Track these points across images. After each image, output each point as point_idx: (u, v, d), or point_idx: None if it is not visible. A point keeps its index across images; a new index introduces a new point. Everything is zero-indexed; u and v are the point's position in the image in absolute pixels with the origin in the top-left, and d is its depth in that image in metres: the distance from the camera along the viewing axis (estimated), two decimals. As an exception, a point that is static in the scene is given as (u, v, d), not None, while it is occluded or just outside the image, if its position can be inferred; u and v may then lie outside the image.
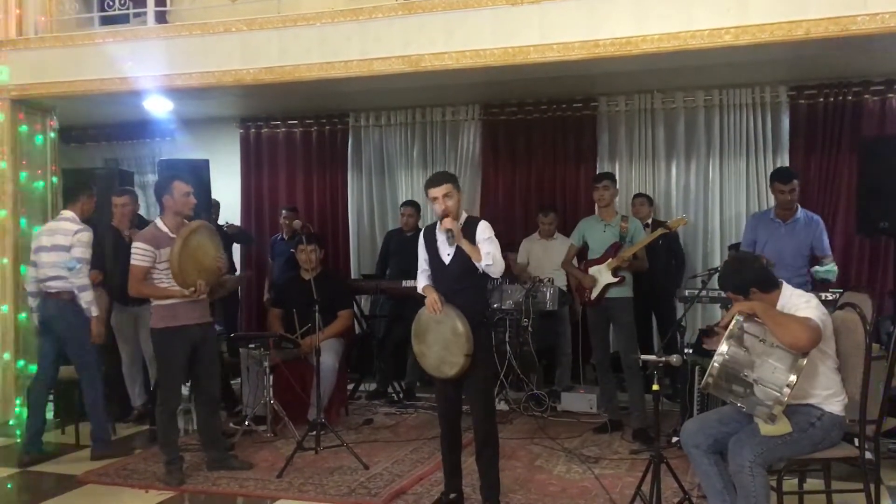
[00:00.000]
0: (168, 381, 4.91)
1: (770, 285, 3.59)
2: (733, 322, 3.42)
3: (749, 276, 3.64)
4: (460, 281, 4.21)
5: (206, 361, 4.94)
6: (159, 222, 4.87)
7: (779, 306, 3.52)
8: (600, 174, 6.11)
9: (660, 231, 5.70)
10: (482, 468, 4.19)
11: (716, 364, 3.37)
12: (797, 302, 3.50)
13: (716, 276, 4.76)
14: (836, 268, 5.28)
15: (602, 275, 5.64)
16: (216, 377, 5.13)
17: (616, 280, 5.62)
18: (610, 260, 5.63)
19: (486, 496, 4.19)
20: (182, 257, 4.66)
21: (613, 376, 5.92)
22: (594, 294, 5.67)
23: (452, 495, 4.31)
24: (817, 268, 5.31)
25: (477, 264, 4.10)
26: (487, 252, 4.09)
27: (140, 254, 4.73)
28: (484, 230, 4.25)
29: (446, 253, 4.26)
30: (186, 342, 4.80)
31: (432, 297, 4.14)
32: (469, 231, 4.26)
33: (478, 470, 4.22)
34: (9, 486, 4.99)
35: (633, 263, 5.64)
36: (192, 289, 4.70)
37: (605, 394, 5.90)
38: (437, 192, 4.17)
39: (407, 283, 6.36)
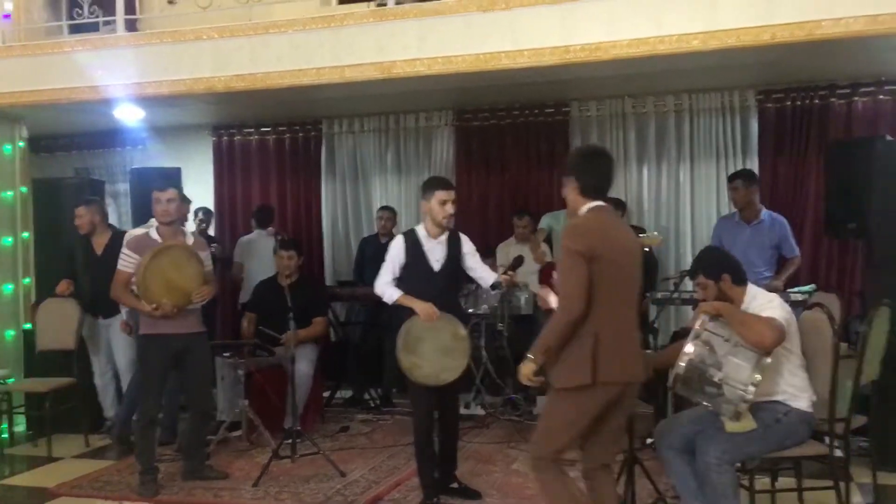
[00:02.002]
0: (145, 388, 4.89)
1: (739, 279, 3.67)
2: (699, 322, 3.48)
3: (724, 262, 3.74)
4: (448, 288, 4.26)
5: (193, 371, 4.89)
6: (153, 231, 4.89)
7: (743, 306, 3.59)
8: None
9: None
10: (451, 461, 4.46)
11: (682, 364, 3.42)
12: (761, 302, 3.57)
13: (687, 279, 4.85)
14: (813, 288, 5.31)
15: None
16: (206, 387, 5.08)
17: None
18: None
19: (449, 473, 4.46)
20: (148, 271, 4.62)
21: None
22: (553, 301, 5.65)
23: (436, 500, 4.35)
24: (794, 289, 5.33)
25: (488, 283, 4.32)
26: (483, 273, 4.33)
27: (124, 260, 4.79)
28: (469, 244, 4.36)
29: (435, 259, 4.26)
30: (165, 351, 4.76)
31: (427, 306, 4.12)
32: (453, 243, 4.30)
33: (444, 460, 4.44)
34: (-21, 500, 4.93)
35: None
36: (154, 306, 4.65)
37: None
38: (448, 195, 4.21)
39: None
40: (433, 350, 4.12)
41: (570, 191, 3.33)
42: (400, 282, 4.34)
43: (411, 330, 4.16)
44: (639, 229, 6.27)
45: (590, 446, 3.35)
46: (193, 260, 4.81)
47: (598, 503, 3.39)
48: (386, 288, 4.31)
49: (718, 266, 3.70)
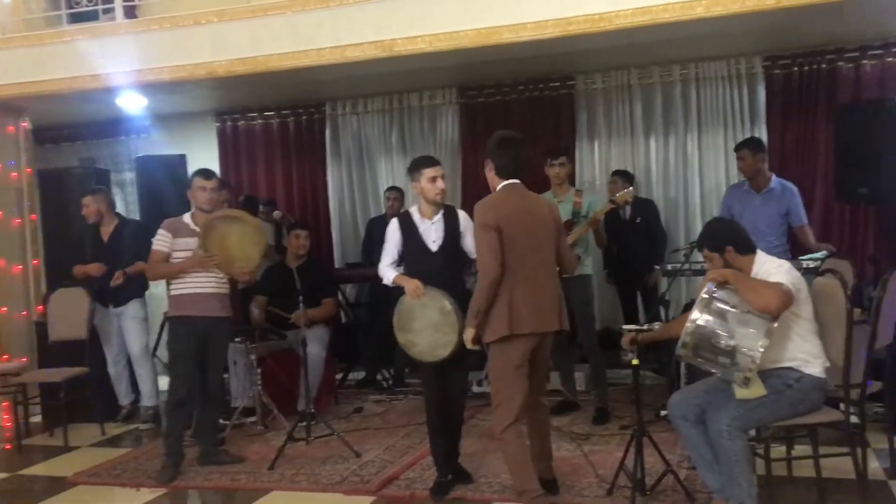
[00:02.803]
0: (173, 370, 4.93)
1: (745, 248, 3.64)
2: (705, 289, 3.45)
3: (726, 234, 3.71)
4: (445, 267, 4.23)
5: (211, 355, 4.93)
6: (187, 216, 4.93)
7: (752, 273, 3.56)
8: (556, 150, 5.87)
9: (608, 206, 5.60)
10: (456, 439, 4.44)
11: (689, 332, 3.40)
12: (769, 268, 3.55)
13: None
14: (825, 255, 5.25)
15: None
16: (219, 372, 5.13)
17: None
18: None
19: (454, 454, 4.44)
20: (218, 222, 4.78)
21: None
22: None
23: (451, 476, 4.36)
24: (806, 256, 5.28)
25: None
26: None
27: (159, 239, 4.85)
28: (467, 221, 4.29)
29: (432, 240, 4.25)
30: (192, 333, 4.81)
31: (413, 284, 4.13)
32: (450, 222, 4.27)
33: (450, 438, 4.40)
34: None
35: (598, 234, 5.61)
36: (210, 255, 4.71)
37: (564, 374, 5.86)
38: (437, 171, 4.19)
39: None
40: (424, 326, 4.13)
41: (488, 171, 3.92)
42: (402, 264, 4.35)
43: (402, 308, 4.19)
44: (644, 200, 6.20)
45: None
46: (260, 244, 4.90)
47: (537, 431, 4.04)
48: (385, 270, 4.35)
49: (721, 238, 3.68)
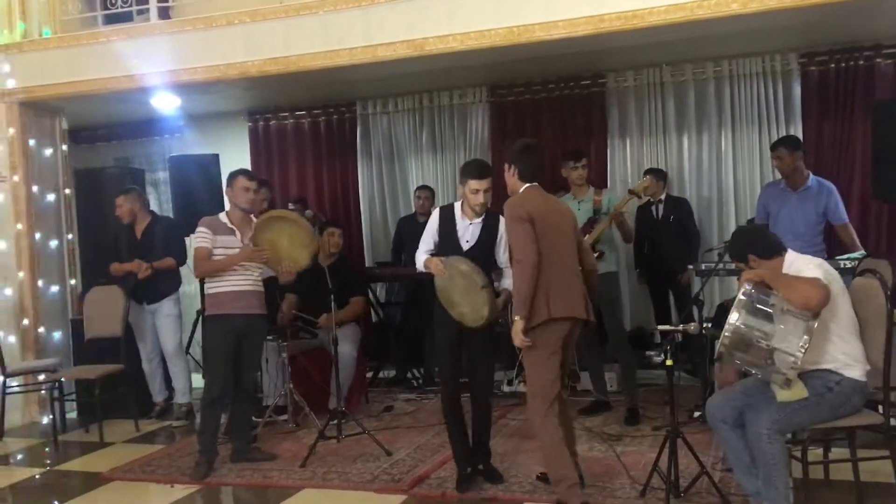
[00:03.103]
0: (210, 368, 4.98)
1: (769, 252, 3.59)
2: (742, 291, 3.41)
3: (746, 243, 3.69)
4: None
5: (246, 352, 4.98)
6: (223, 216, 4.97)
7: (784, 272, 3.51)
8: (578, 152, 5.84)
9: (628, 198, 5.55)
10: (482, 438, 4.43)
11: (727, 334, 3.36)
12: (799, 265, 3.51)
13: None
14: (862, 255, 5.15)
15: None
16: (254, 369, 5.18)
17: (595, 255, 5.54)
18: (586, 237, 5.56)
19: (483, 457, 4.45)
20: (271, 221, 4.90)
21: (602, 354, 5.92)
22: None
23: (470, 469, 4.38)
24: (843, 256, 5.19)
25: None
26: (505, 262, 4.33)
27: (201, 236, 4.87)
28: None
29: (466, 240, 4.28)
30: (230, 331, 4.85)
31: (435, 261, 4.24)
32: (490, 225, 4.29)
33: (476, 438, 4.42)
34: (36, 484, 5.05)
35: (622, 229, 5.59)
36: (262, 249, 4.81)
37: (593, 375, 5.82)
38: (481, 185, 4.22)
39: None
40: (461, 295, 4.20)
41: (511, 176, 4.10)
42: (434, 255, 4.39)
43: (439, 288, 4.28)
44: (676, 199, 6.14)
45: None
46: (309, 247, 4.97)
47: (563, 423, 3.97)
48: (419, 256, 4.42)
49: (742, 248, 3.68)
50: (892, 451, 3.62)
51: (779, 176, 5.83)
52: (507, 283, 4.43)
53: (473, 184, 4.21)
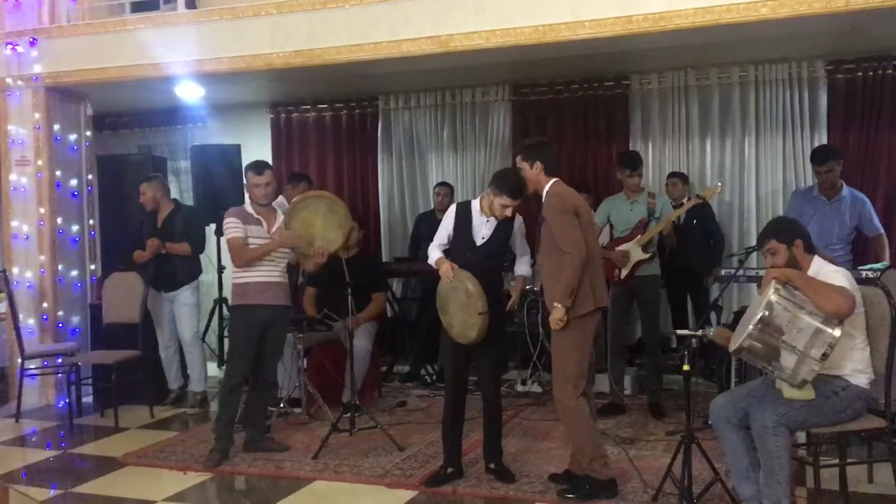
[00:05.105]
0: (232, 357, 5.00)
1: (810, 247, 3.63)
2: (771, 289, 3.38)
3: (798, 228, 3.69)
4: (486, 262, 4.30)
5: (271, 343, 4.99)
6: (249, 206, 4.98)
7: (810, 274, 3.51)
8: (636, 161, 5.77)
9: (693, 201, 5.61)
10: (492, 437, 4.46)
11: (752, 330, 3.33)
12: (827, 271, 3.53)
13: (752, 256, 4.73)
14: (885, 265, 5.10)
15: (633, 252, 5.59)
16: (275, 361, 5.18)
17: (647, 256, 5.56)
18: (639, 237, 5.58)
19: (494, 456, 4.47)
20: (307, 201, 4.97)
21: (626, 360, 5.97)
22: (624, 272, 5.62)
23: (450, 469, 4.41)
24: (867, 266, 5.14)
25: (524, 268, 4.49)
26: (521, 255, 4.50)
27: (233, 226, 4.86)
28: (521, 224, 4.44)
29: (481, 236, 4.31)
30: (254, 321, 4.86)
31: (445, 266, 4.25)
32: (505, 223, 4.30)
33: (488, 438, 4.47)
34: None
35: (669, 236, 5.64)
36: (297, 234, 4.84)
37: (615, 376, 5.80)
38: (512, 203, 4.21)
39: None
40: (456, 308, 4.22)
41: (537, 171, 4.15)
42: (447, 252, 4.42)
43: (440, 292, 4.30)
44: (702, 205, 6.12)
45: None
46: (344, 227, 4.96)
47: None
48: (432, 250, 4.44)
49: (793, 231, 3.65)
50: (892, 456, 3.60)
51: (802, 183, 5.78)
52: (523, 269, 4.48)
53: (506, 200, 4.19)
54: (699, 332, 3.73)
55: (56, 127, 6.70)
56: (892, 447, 3.61)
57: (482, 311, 4.09)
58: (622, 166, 5.77)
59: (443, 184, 7.35)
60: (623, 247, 5.63)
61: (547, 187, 4.14)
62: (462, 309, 4.17)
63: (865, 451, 4.18)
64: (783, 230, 3.66)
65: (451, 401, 4.41)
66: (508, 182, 4.23)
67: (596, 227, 5.67)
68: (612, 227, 5.85)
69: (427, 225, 7.14)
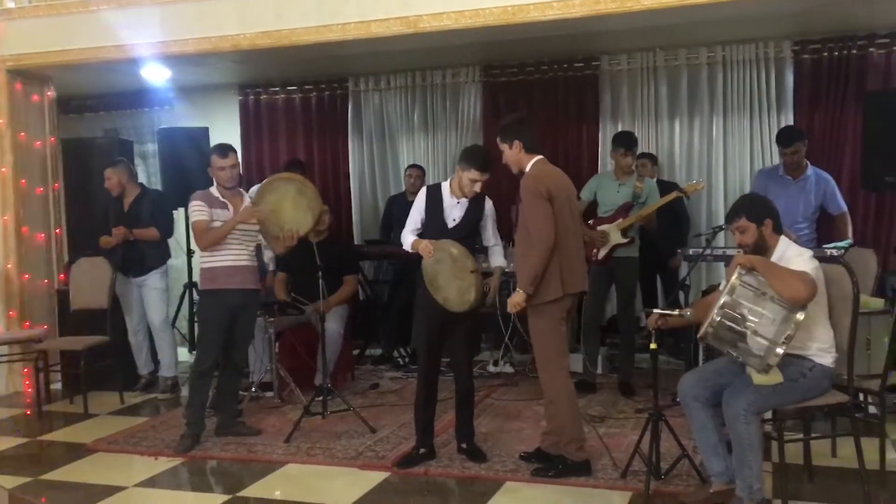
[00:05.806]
0: (202, 342, 4.98)
1: (778, 227, 3.66)
2: (735, 275, 3.43)
3: (769, 207, 3.70)
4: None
5: (240, 328, 4.97)
6: (215, 189, 4.93)
7: (775, 256, 3.57)
8: (632, 141, 5.81)
9: (675, 195, 5.65)
10: (465, 417, 4.49)
11: (716, 317, 3.38)
12: (790, 254, 3.56)
13: (720, 235, 4.78)
14: (848, 243, 5.18)
15: (612, 234, 5.62)
16: (246, 344, 5.18)
17: (625, 241, 5.60)
18: (620, 220, 5.61)
19: (466, 436, 4.50)
20: (277, 184, 4.91)
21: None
22: (602, 253, 5.65)
23: (423, 450, 4.44)
24: (830, 245, 5.21)
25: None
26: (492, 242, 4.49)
27: (198, 209, 4.81)
28: (491, 208, 4.45)
29: (452, 218, 4.31)
30: (224, 306, 4.84)
31: (424, 243, 4.26)
32: (475, 205, 4.31)
33: (460, 418, 4.50)
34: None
35: (646, 223, 5.67)
36: (258, 209, 4.81)
37: (589, 355, 5.86)
38: (481, 177, 4.23)
39: (410, 248, 6.35)
40: (447, 279, 4.23)
41: (517, 150, 4.11)
42: (420, 236, 4.42)
43: (426, 270, 4.29)
44: (672, 185, 6.18)
45: None
46: (313, 209, 4.91)
47: None
48: (405, 236, 4.45)
49: (763, 210, 3.66)
50: (855, 435, 3.66)
51: (769, 163, 5.84)
52: (498, 260, 4.48)
53: (475, 174, 4.21)
54: (676, 312, 3.77)
55: (20, 111, 6.57)
56: (855, 422, 3.69)
57: (473, 269, 4.11)
58: (616, 145, 5.78)
59: (414, 166, 7.34)
60: (603, 227, 5.66)
61: (528, 167, 4.11)
62: (453, 275, 4.19)
63: (829, 426, 4.26)
64: (755, 209, 3.65)
65: (423, 383, 4.43)
66: (476, 155, 4.27)
67: (581, 204, 5.60)
68: (597, 204, 5.87)
69: (398, 207, 7.12)
